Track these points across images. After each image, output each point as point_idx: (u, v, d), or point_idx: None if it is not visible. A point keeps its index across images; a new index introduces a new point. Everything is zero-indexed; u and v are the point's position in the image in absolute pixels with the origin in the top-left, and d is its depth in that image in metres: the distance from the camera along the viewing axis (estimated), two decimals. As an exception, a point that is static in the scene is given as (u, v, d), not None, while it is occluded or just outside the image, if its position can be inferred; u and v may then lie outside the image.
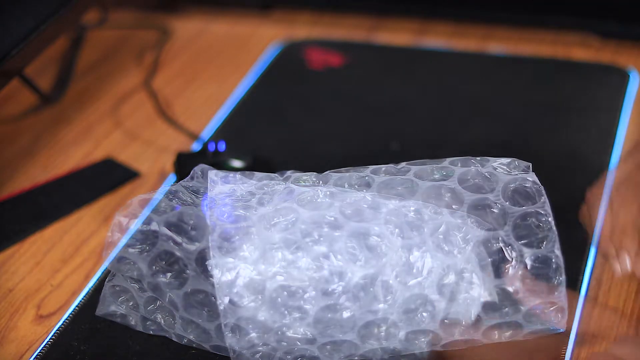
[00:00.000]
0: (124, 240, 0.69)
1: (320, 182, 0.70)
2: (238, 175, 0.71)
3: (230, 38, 1.15)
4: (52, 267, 0.83)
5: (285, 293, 0.66)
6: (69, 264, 0.83)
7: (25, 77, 0.99)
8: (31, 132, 1.00)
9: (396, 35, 1.14)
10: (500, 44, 1.10)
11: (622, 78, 1.02)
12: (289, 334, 0.66)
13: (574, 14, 1.09)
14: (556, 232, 0.66)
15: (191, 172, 0.72)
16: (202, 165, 0.73)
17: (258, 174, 0.72)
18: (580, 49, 1.09)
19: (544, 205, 0.67)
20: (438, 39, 1.12)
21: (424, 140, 0.96)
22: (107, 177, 0.93)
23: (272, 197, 0.69)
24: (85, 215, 0.88)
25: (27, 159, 0.96)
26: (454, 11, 1.13)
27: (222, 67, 1.10)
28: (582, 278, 0.78)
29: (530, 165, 0.70)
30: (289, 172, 0.72)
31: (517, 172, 0.69)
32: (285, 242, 0.66)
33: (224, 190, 0.70)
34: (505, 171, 0.69)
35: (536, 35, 1.11)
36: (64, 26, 0.99)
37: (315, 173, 0.71)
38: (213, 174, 0.71)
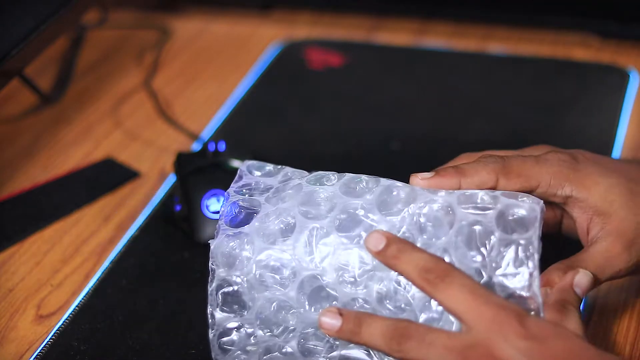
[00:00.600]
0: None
1: (334, 181, 0.68)
2: (270, 167, 0.70)
3: (230, 38, 1.15)
4: (52, 267, 0.83)
5: (274, 307, 0.66)
6: (69, 264, 0.83)
7: (25, 77, 0.99)
8: (31, 132, 1.00)
9: (396, 35, 1.14)
10: (500, 44, 1.10)
11: (622, 78, 1.02)
12: (275, 351, 0.66)
13: (574, 14, 1.09)
14: (538, 270, 0.63)
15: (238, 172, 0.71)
16: (248, 163, 0.71)
17: (288, 169, 0.70)
18: (580, 49, 1.09)
19: (532, 238, 0.64)
20: (438, 39, 1.12)
21: (424, 140, 0.96)
22: (107, 177, 0.93)
23: (280, 194, 0.68)
24: (85, 215, 0.88)
25: (27, 159, 0.96)
26: (454, 11, 1.13)
27: (222, 67, 1.10)
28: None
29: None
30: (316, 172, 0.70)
31: (524, 198, 0.66)
32: (278, 247, 0.66)
33: (248, 183, 0.69)
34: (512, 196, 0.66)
35: (536, 35, 1.11)
36: (64, 26, 0.98)
37: (335, 172, 0.69)
38: (246, 165, 0.70)
